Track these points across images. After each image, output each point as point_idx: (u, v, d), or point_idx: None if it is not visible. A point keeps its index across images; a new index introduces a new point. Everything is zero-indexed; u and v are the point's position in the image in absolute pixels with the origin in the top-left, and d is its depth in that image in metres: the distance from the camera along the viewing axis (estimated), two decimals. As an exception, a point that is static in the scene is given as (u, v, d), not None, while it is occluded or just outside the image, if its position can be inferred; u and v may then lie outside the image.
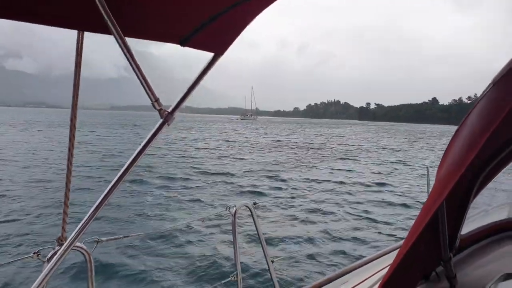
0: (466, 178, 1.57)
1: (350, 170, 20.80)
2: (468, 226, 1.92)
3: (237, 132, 62.81)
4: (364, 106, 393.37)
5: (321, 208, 11.61)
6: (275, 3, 1.29)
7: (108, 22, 1.09)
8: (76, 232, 1.37)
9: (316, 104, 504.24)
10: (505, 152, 1.51)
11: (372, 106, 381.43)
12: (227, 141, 41.35)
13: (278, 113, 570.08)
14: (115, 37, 1.12)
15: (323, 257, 7.47)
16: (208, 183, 15.65)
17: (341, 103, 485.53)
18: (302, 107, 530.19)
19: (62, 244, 1.40)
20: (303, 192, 15.11)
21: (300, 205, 11.92)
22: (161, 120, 1.34)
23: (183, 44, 1.40)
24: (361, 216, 10.97)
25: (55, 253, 1.39)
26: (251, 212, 2.76)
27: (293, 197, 13.18)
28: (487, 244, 2.09)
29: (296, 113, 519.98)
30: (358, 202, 12.58)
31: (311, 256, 7.49)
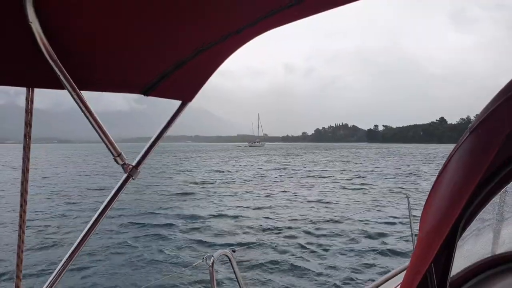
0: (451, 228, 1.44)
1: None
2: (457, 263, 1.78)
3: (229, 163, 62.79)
4: (372, 128, 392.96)
5: (309, 246, 10.81)
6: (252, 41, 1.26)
7: (61, 76, 1.01)
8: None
9: (324, 128, 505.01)
10: (490, 186, 1.39)
11: (380, 128, 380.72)
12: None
13: (286, 139, 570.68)
14: (69, 92, 1.04)
15: None
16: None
17: (349, 126, 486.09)
18: (310, 131, 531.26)
19: None
20: (285, 229, 13.62)
21: (284, 246, 10.95)
22: (125, 175, 1.27)
23: (146, 93, 1.32)
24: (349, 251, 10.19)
25: None
26: (230, 261, 2.62)
27: (274, 236, 12.23)
28: (477, 283, 1.98)
29: (304, 137, 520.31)
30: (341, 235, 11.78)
31: None
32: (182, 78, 1.31)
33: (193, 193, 21.21)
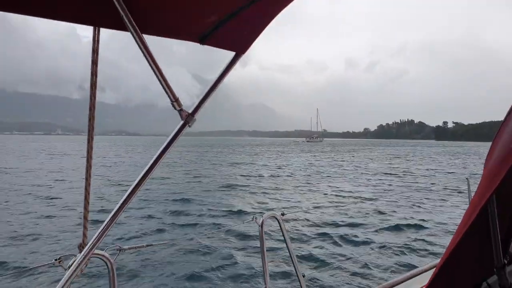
0: None
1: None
2: None
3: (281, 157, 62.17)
4: (440, 125, 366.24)
5: (355, 220, 11.22)
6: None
7: (124, 18, 1.07)
8: (94, 239, 1.36)
9: (388, 124, 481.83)
10: None
11: (450, 124, 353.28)
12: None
13: (346, 135, 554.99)
14: (132, 34, 1.11)
15: (357, 273, 6.87)
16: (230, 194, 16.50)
17: (415, 122, 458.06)
18: (373, 127, 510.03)
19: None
20: (333, 202, 14.69)
21: (332, 216, 11.56)
22: (181, 122, 1.32)
23: (202, 42, 1.37)
24: (398, 230, 10.34)
25: (75, 261, 1.38)
26: (279, 223, 2.66)
27: (321, 207, 13.07)
28: None
29: (366, 134, 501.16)
30: (393, 215, 11.98)
31: (344, 271, 6.95)
32: (236, 29, 1.34)
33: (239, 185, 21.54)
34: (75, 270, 1.34)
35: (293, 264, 2.67)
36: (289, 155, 58.01)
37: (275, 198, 15.84)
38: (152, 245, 2.44)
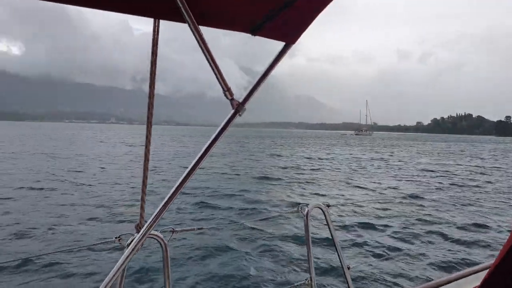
0: None
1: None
2: None
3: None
4: (503, 119, 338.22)
5: (404, 215, 10.83)
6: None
7: (183, 10, 1.11)
8: (151, 220, 1.44)
9: (442, 118, 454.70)
10: None
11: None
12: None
13: (398, 128, 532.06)
14: (189, 25, 1.15)
15: (404, 268, 6.72)
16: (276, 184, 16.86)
17: (474, 116, 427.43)
18: (426, 121, 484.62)
19: (140, 231, 1.49)
20: (382, 194, 14.30)
21: (379, 210, 11.30)
22: (232, 111, 1.36)
23: (254, 33, 1.39)
24: (450, 227, 9.75)
25: (133, 240, 1.48)
26: (324, 214, 2.64)
27: (368, 201, 12.80)
28: None
29: (418, 128, 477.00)
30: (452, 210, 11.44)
31: (391, 266, 6.81)
32: (287, 19, 1.35)
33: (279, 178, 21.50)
34: (134, 248, 1.43)
35: (338, 255, 2.64)
36: (334, 148, 56.94)
37: (317, 192, 15.67)
38: (202, 228, 2.55)
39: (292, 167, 25.90)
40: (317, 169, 25.29)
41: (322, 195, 14.80)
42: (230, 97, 1.31)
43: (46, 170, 20.08)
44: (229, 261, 6.98)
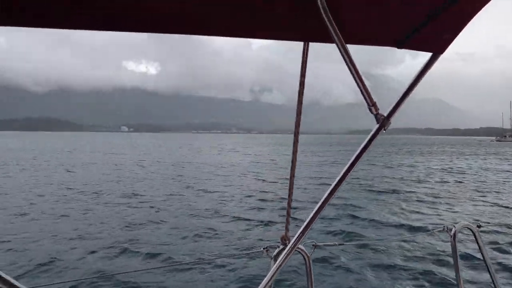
0: None
1: None
2: None
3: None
4: None
5: None
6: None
7: (332, 32, 1.12)
8: (299, 233, 1.49)
9: None
10: None
11: None
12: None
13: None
14: (337, 45, 1.15)
15: None
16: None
17: None
18: None
19: (285, 243, 1.58)
20: None
21: None
22: (377, 125, 1.31)
23: (399, 46, 1.35)
24: None
25: (279, 252, 1.58)
26: (475, 236, 2.42)
27: None
28: None
29: None
30: None
31: None
32: (435, 29, 1.29)
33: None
34: (282, 261, 1.49)
35: (493, 282, 2.38)
36: (476, 157, 49.23)
37: (455, 210, 13.59)
38: (343, 244, 2.96)
39: (425, 180, 23.03)
40: (458, 182, 22.09)
41: (466, 214, 12.96)
42: (375, 112, 1.28)
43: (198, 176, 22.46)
44: (371, 279, 6.90)
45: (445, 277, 6.89)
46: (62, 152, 51.52)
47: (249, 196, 16.29)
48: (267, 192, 17.59)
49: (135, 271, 8.12)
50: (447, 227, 2.44)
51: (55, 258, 7.89)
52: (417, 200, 15.65)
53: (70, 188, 18.16)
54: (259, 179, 22.73)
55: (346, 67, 1.18)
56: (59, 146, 74.74)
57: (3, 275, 0.94)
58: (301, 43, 1.37)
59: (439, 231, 2.52)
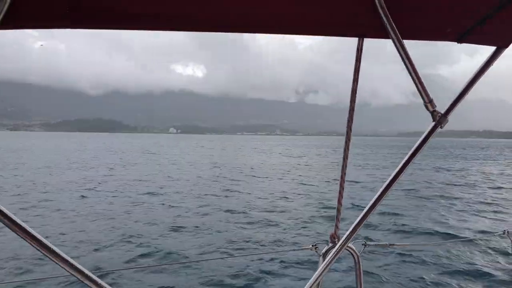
0: None
1: None
2: None
3: None
4: None
5: None
6: None
7: (388, 27, 1.10)
8: (349, 232, 1.47)
9: None
10: None
11: None
12: None
13: None
14: (393, 41, 1.13)
15: None
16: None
17: None
18: None
19: (334, 241, 1.57)
20: None
21: None
22: (433, 123, 1.28)
23: (460, 41, 1.28)
24: None
25: (328, 250, 1.58)
26: None
27: None
28: None
29: None
30: None
31: None
32: (498, 23, 1.22)
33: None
34: (331, 260, 1.48)
35: None
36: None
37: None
38: (394, 245, 2.45)
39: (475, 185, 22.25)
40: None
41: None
42: (431, 109, 1.26)
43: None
44: (422, 281, 6.75)
45: (504, 280, 6.82)
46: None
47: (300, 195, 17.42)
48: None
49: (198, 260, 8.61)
50: (507, 231, 2.40)
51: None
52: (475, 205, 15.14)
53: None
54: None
55: (399, 65, 1.18)
56: (145, 147, 79.72)
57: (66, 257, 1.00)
58: (354, 40, 1.33)
59: (499, 236, 2.54)
